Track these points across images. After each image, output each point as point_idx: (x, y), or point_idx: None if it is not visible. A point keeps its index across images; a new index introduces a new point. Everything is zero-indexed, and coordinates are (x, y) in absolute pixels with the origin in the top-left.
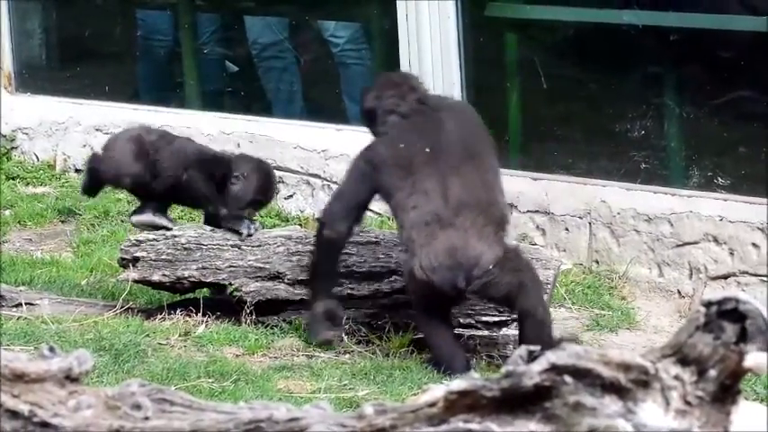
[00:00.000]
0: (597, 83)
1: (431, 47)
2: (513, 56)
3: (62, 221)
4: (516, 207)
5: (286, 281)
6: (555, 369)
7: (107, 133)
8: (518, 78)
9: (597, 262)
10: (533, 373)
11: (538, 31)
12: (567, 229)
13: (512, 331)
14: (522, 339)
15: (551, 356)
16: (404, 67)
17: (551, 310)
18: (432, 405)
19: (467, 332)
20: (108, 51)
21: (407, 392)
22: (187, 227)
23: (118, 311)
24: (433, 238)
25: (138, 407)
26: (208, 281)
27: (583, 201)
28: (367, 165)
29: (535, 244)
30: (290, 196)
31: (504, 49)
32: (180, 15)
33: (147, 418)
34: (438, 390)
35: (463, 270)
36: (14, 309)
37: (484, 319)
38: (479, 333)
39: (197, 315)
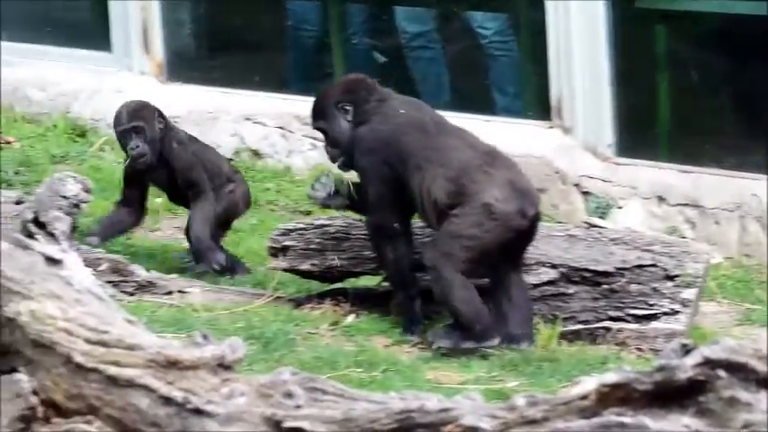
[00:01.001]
0: (748, 75)
1: (579, 38)
2: (662, 47)
3: None
4: (666, 200)
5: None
6: (709, 363)
7: (256, 123)
8: (668, 70)
9: (748, 256)
10: (687, 367)
11: (689, 23)
12: (717, 223)
13: (661, 324)
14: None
15: (705, 350)
16: (552, 59)
17: (702, 303)
18: (583, 398)
19: (616, 325)
20: (257, 41)
21: (556, 385)
22: (336, 216)
23: (267, 300)
24: (491, 175)
25: (290, 395)
26: (357, 270)
27: (733, 194)
28: (375, 153)
29: (685, 237)
30: None
31: (654, 41)
32: (329, 5)
33: (299, 407)
34: (590, 382)
35: (526, 200)
36: (166, 296)
37: (633, 312)
38: (629, 326)
39: (346, 304)
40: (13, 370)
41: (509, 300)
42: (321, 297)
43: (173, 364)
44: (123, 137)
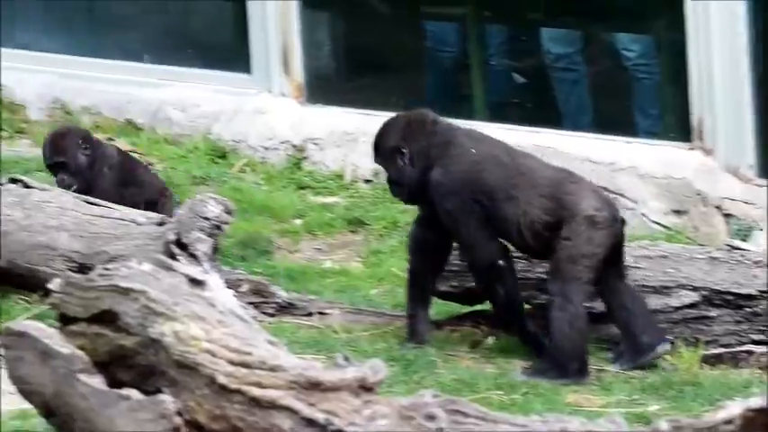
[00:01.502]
0: None
1: (720, 60)
2: None
3: (351, 231)
4: None
5: None
6: None
7: None
8: None
9: None
10: None
11: None
12: None
13: None
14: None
15: None
16: (693, 80)
17: None
18: (728, 422)
19: (759, 349)
20: (396, 62)
21: (699, 409)
22: None
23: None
24: (580, 185)
25: (432, 417)
26: None
27: None
28: (458, 194)
29: None
30: None
31: None
32: (468, 27)
33: (441, 429)
34: (734, 407)
35: (613, 206)
36: (305, 317)
37: None
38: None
39: (485, 326)
40: (158, 390)
41: (628, 312)
42: (461, 319)
43: (315, 386)
44: (50, 170)
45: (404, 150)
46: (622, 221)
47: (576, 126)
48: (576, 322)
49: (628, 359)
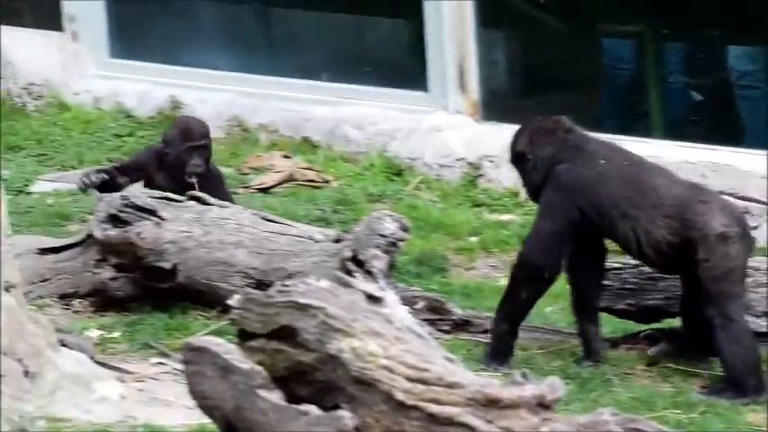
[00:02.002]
0: None
1: None
2: None
3: None
4: None
5: (753, 312)
6: None
7: None
8: None
9: None
10: None
11: None
12: None
13: None
14: None
15: None
16: None
17: None
18: None
19: None
20: (572, 79)
21: None
22: None
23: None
24: (707, 203)
25: None
26: (673, 311)
27: None
28: (567, 190)
29: None
30: (756, 227)
31: None
32: (645, 44)
33: None
34: None
35: (742, 220)
36: (481, 335)
37: None
38: None
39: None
40: (336, 406)
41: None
42: (637, 337)
43: (493, 403)
44: (190, 151)
45: (529, 156)
46: (749, 228)
47: (756, 144)
48: (741, 338)
49: (695, 356)
